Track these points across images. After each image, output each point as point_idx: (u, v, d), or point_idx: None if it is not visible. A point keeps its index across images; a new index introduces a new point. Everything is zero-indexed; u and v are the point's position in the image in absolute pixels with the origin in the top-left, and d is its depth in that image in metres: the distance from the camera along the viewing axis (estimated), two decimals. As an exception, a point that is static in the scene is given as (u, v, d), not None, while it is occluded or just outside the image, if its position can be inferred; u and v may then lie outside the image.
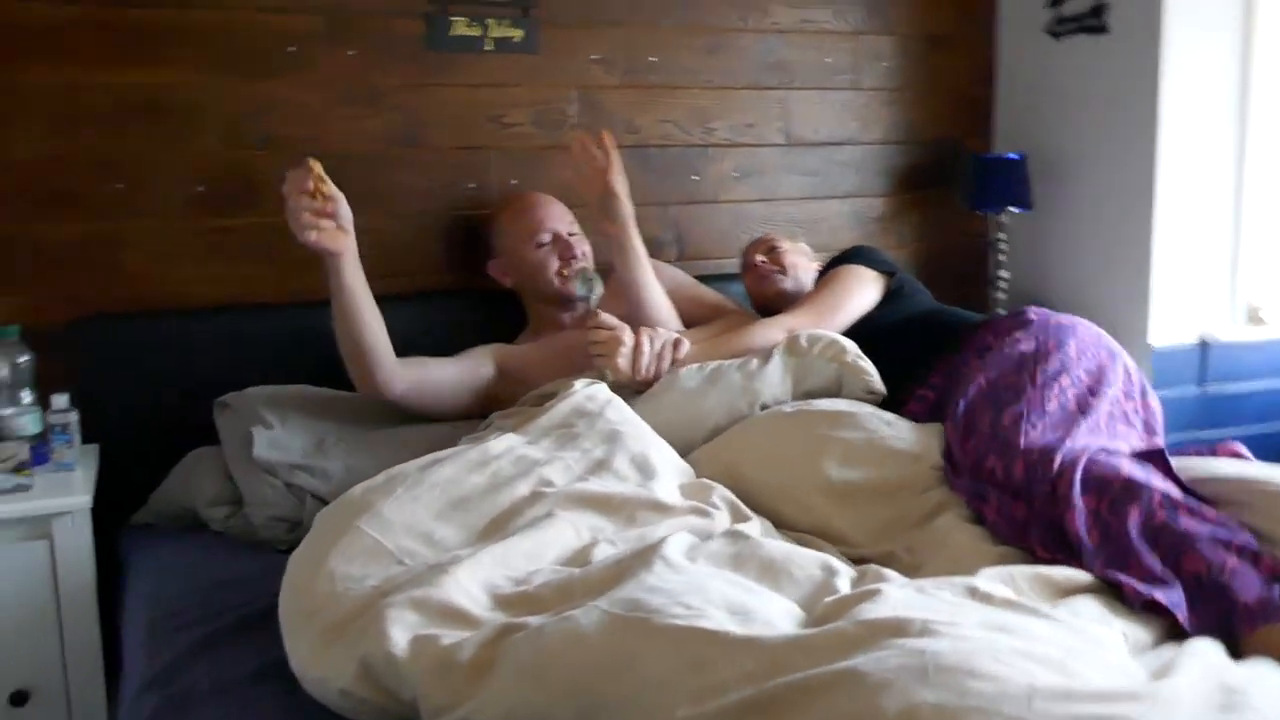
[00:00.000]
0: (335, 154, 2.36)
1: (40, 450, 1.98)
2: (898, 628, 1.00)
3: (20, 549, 1.82)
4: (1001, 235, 2.95)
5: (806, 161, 2.88)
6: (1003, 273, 2.96)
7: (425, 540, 1.35)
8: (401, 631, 1.15)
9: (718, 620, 1.04)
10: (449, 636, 1.13)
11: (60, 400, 1.99)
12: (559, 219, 2.31)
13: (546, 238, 2.27)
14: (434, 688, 1.09)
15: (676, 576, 1.16)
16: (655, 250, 2.68)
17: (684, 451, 1.84)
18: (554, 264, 2.26)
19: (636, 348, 1.98)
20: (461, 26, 2.46)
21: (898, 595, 1.12)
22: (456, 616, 1.18)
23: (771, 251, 2.45)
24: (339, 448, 2.10)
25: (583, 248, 2.30)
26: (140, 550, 1.98)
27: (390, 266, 2.46)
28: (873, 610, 1.07)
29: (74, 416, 2.01)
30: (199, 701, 1.29)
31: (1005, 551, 1.47)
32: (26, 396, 2.03)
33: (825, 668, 0.95)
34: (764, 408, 1.95)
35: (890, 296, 2.25)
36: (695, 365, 2.00)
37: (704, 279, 2.54)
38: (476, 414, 2.15)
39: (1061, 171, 2.92)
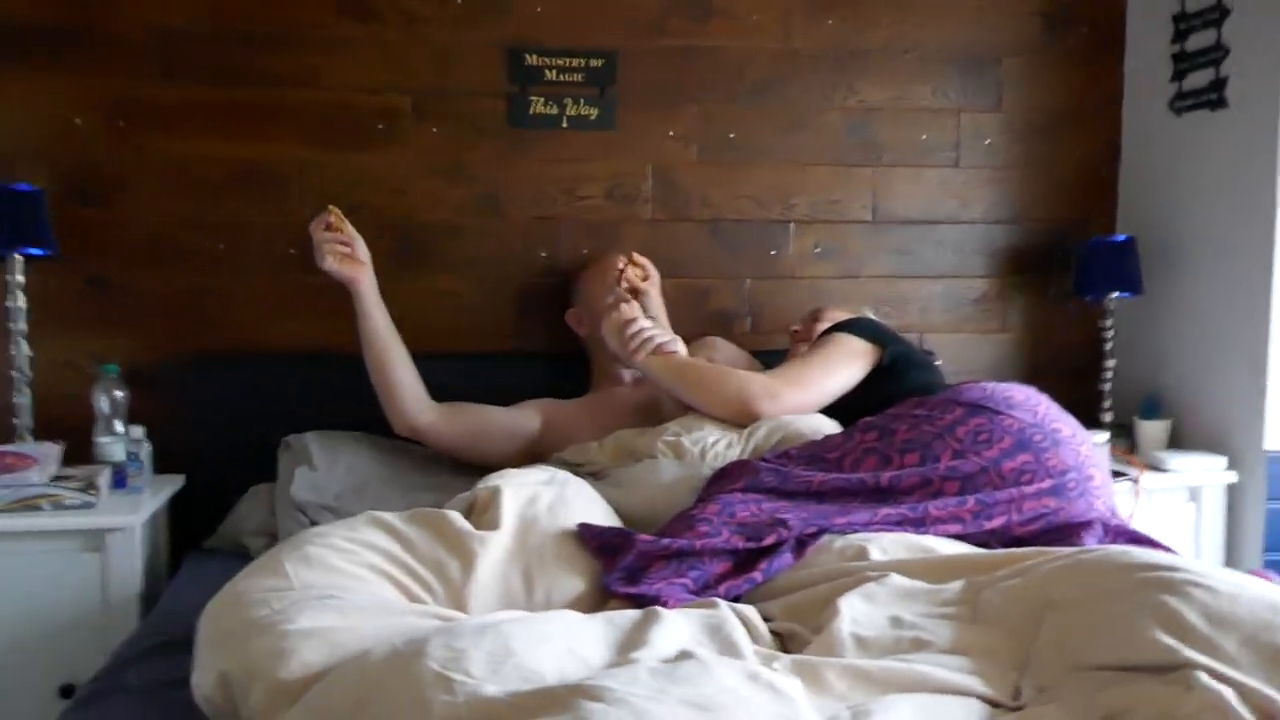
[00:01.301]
0: (418, 223, 2.57)
1: (121, 475, 2.23)
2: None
3: (78, 558, 2.05)
4: (1107, 323, 2.74)
5: (896, 239, 2.81)
6: (1108, 363, 2.74)
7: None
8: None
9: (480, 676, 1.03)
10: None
11: (136, 432, 2.24)
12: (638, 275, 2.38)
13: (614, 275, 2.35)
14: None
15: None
16: (728, 323, 2.72)
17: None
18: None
19: (627, 325, 2.12)
20: (539, 106, 2.60)
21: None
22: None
23: (808, 321, 2.41)
24: (380, 492, 2.23)
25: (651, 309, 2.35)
26: (189, 571, 2.16)
27: (465, 327, 2.62)
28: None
29: (147, 447, 2.25)
30: (112, 698, 1.41)
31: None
32: (119, 427, 2.29)
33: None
34: None
35: (882, 372, 2.11)
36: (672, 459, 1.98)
37: (777, 353, 2.51)
38: (518, 464, 2.22)
39: (1175, 255, 2.70)
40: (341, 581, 1.39)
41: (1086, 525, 1.68)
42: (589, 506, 1.68)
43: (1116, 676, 1.14)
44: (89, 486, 2.12)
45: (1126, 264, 2.67)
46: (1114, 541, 1.65)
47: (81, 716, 1.40)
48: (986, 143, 2.84)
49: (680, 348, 2.14)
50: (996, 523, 1.66)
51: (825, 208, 2.77)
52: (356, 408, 2.43)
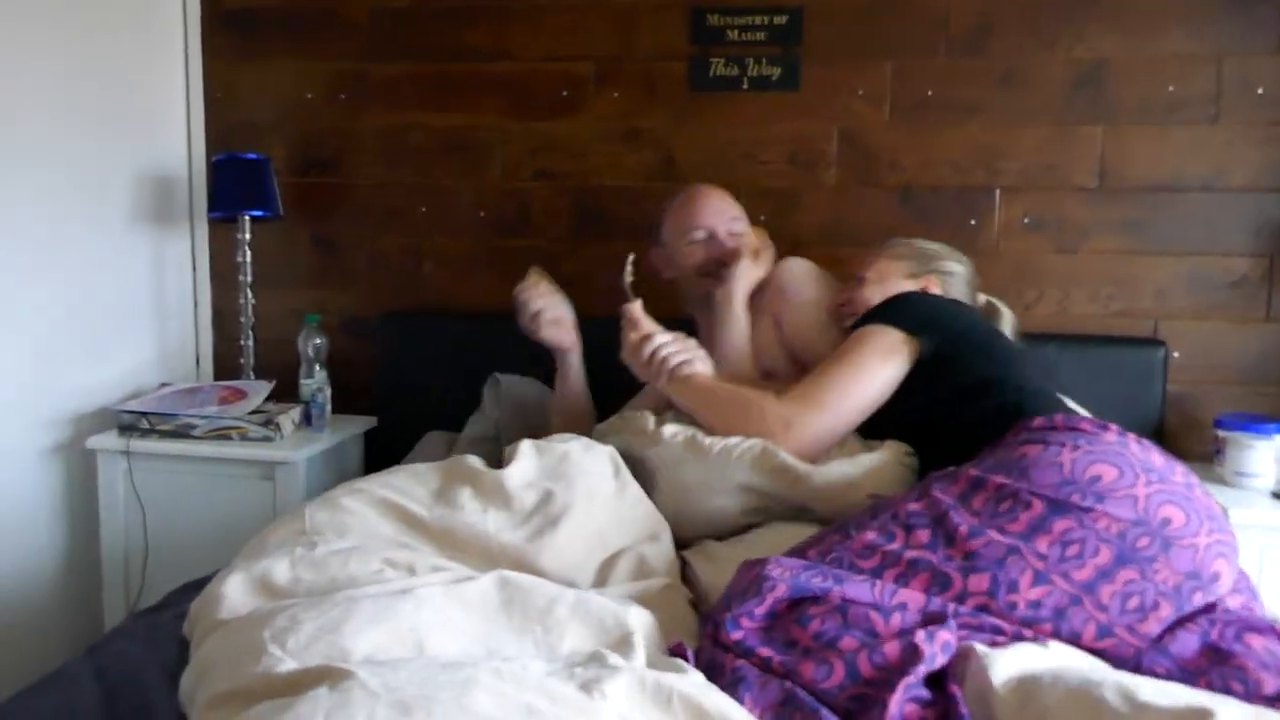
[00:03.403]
0: (597, 188, 2.62)
1: (308, 414, 2.49)
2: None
3: (254, 485, 2.33)
4: (1398, 316, 2.19)
5: (1128, 210, 2.42)
6: (1397, 367, 2.19)
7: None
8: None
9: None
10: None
11: (320, 377, 2.49)
12: (718, 215, 2.14)
13: (700, 235, 2.13)
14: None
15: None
16: (917, 299, 2.49)
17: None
18: (698, 260, 2.14)
19: (640, 349, 1.88)
20: (720, 67, 2.53)
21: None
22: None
23: (854, 288, 1.99)
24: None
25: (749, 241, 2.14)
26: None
27: (642, 290, 2.61)
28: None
29: (327, 391, 2.50)
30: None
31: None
32: (319, 371, 2.56)
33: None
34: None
35: (923, 369, 1.70)
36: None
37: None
38: None
39: None
40: (345, 519, 1.49)
41: (1185, 624, 1.25)
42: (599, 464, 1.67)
43: None
44: (268, 423, 2.38)
45: None
46: (1221, 639, 1.23)
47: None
48: (1259, 92, 2.35)
49: (701, 364, 1.85)
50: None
51: (1040, 173, 2.44)
52: (531, 366, 2.54)
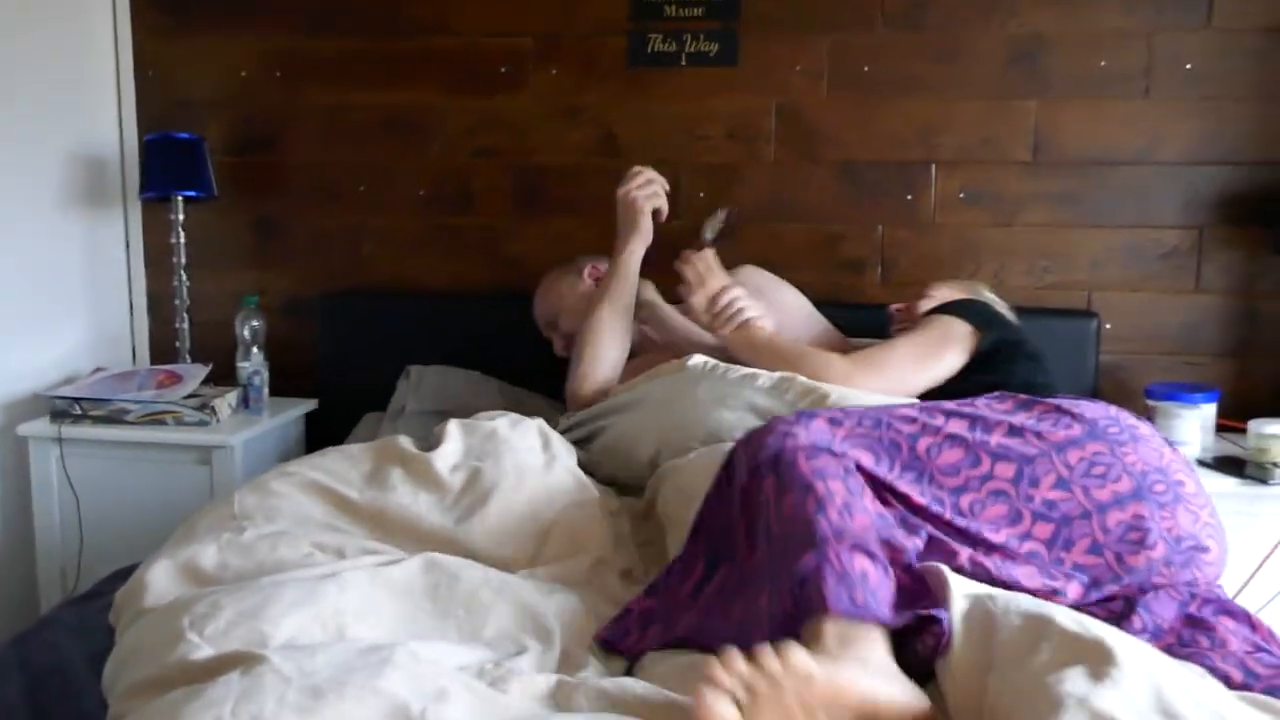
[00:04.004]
0: (538, 165, 2.60)
1: (246, 397, 2.46)
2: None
3: (190, 470, 2.31)
4: (1320, 286, 2.24)
5: (1062, 183, 2.45)
6: (1320, 336, 2.25)
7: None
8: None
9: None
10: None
11: (257, 359, 2.46)
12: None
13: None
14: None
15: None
16: (858, 273, 2.52)
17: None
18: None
19: (716, 297, 1.97)
20: (658, 44, 2.52)
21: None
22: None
23: (913, 300, 2.12)
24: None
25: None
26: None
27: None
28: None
29: (264, 374, 2.47)
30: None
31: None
32: (256, 353, 2.53)
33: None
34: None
35: (980, 361, 1.85)
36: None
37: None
38: None
39: None
40: (275, 503, 1.48)
41: (1169, 590, 1.36)
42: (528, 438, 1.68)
43: None
44: (204, 406, 2.35)
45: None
46: (1199, 612, 1.32)
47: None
48: (1188, 67, 2.39)
49: (769, 322, 1.98)
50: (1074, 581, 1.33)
51: (976, 147, 2.46)
52: (477, 345, 2.54)
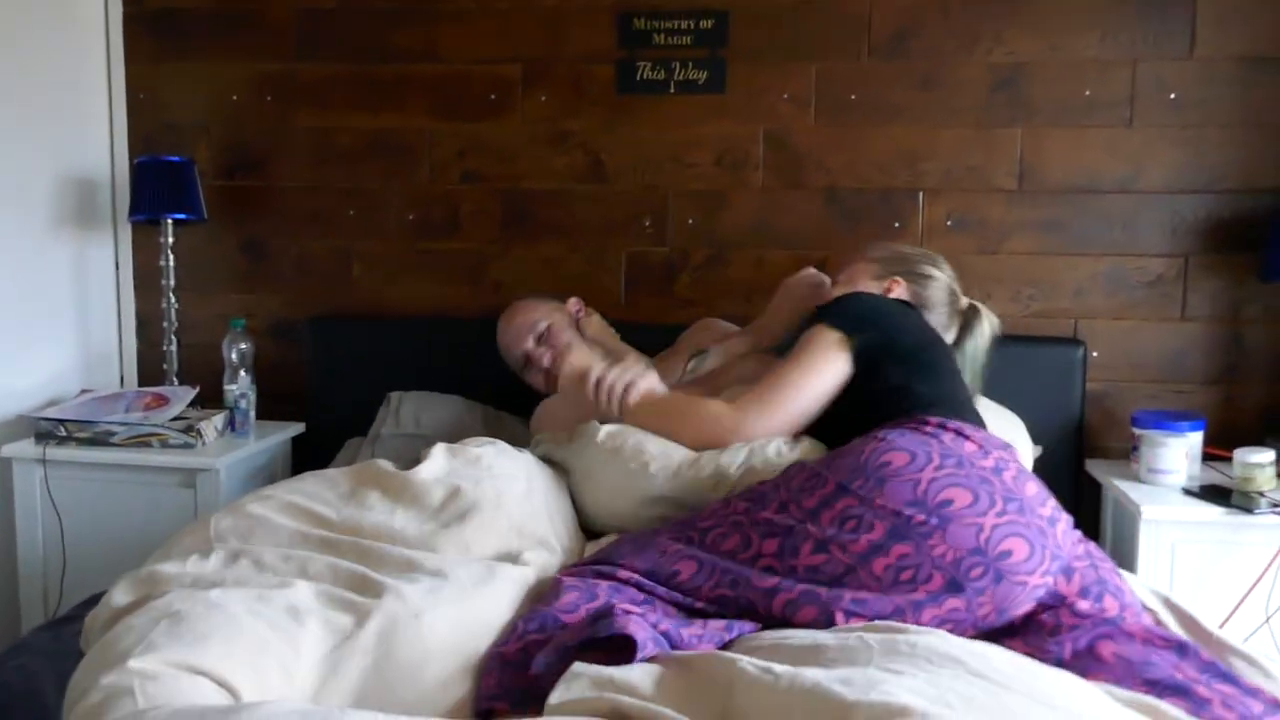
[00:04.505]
0: (526, 191, 2.61)
1: (233, 419, 2.46)
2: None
3: (175, 493, 2.30)
4: (1301, 314, 2.25)
5: (1047, 211, 2.46)
6: (1302, 363, 2.25)
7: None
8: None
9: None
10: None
11: (244, 382, 2.46)
12: (518, 340, 2.22)
13: (518, 363, 2.23)
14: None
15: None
16: (844, 300, 2.52)
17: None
18: (543, 382, 2.19)
19: (596, 386, 1.84)
20: (646, 71, 2.53)
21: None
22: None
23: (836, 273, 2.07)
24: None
25: (548, 353, 2.18)
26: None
27: (569, 294, 2.60)
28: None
29: (252, 395, 2.46)
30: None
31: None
32: (243, 376, 2.53)
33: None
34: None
35: (857, 369, 1.72)
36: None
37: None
38: None
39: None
40: (250, 525, 1.47)
41: (1033, 617, 1.31)
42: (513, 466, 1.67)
43: None
44: (190, 429, 2.35)
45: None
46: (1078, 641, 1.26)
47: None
48: (1171, 96, 2.40)
49: (649, 379, 1.85)
50: None
51: (961, 175, 2.48)
52: (461, 369, 2.54)
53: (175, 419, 2.38)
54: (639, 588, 1.40)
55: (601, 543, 1.67)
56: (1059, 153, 2.44)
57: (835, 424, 1.70)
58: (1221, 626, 1.86)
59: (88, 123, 2.68)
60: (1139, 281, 2.45)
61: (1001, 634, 1.31)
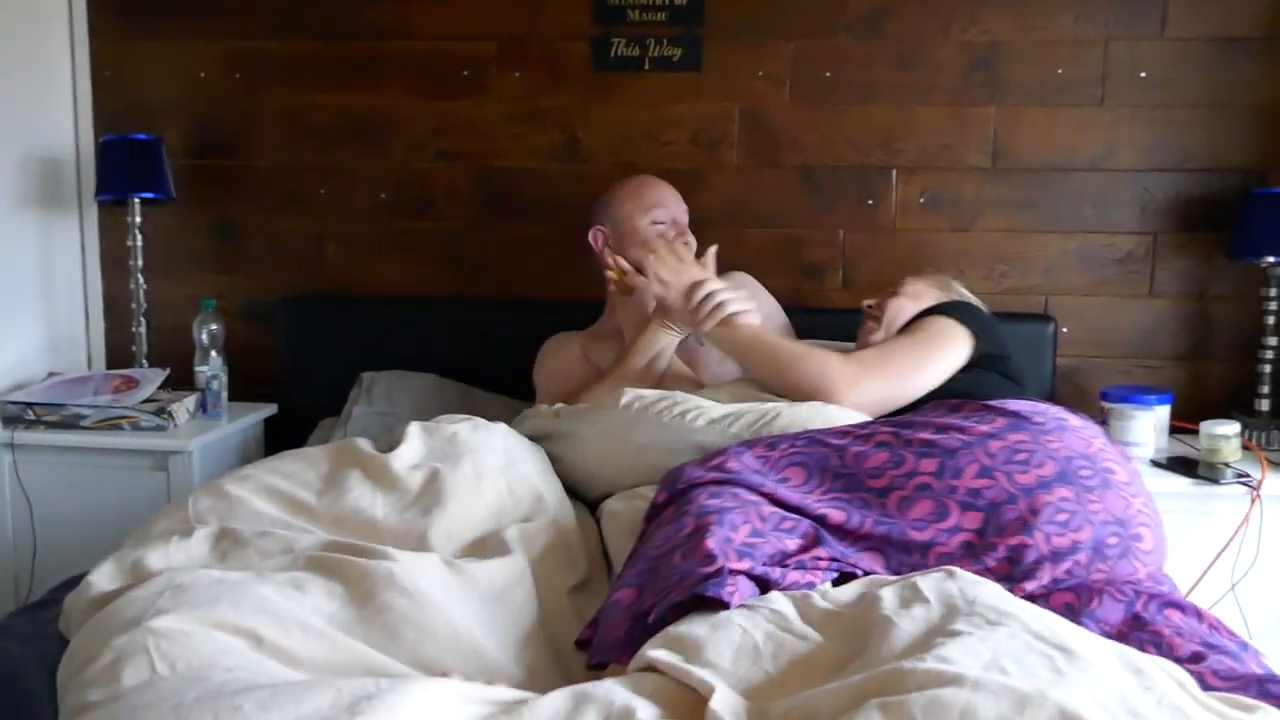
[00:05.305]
0: (501, 169, 2.59)
1: (205, 401, 2.43)
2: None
3: (147, 476, 2.28)
4: (1270, 291, 2.28)
5: (1019, 189, 2.48)
6: (1270, 340, 2.29)
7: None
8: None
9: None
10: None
11: (216, 363, 2.43)
12: (678, 205, 2.16)
13: (664, 216, 2.11)
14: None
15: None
16: (819, 277, 2.54)
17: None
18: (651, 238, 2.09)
19: (693, 290, 1.84)
20: (621, 48, 2.52)
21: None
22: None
23: (885, 296, 2.06)
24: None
25: (691, 240, 2.13)
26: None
27: (546, 274, 2.61)
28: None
29: (224, 377, 2.44)
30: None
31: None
32: (214, 357, 2.50)
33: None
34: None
35: (962, 372, 1.78)
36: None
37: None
38: None
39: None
40: (229, 507, 1.47)
41: (1112, 591, 1.34)
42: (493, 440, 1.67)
43: None
44: (161, 411, 2.32)
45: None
46: (1145, 610, 1.31)
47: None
48: (1142, 75, 2.43)
49: (756, 318, 1.87)
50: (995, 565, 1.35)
51: (935, 153, 2.49)
52: (436, 350, 2.53)
53: (146, 401, 2.35)
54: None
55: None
56: (1032, 132, 2.47)
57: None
58: (1188, 595, 1.90)
59: (52, 101, 2.63)
60: (1109, 259, 2.49)
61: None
